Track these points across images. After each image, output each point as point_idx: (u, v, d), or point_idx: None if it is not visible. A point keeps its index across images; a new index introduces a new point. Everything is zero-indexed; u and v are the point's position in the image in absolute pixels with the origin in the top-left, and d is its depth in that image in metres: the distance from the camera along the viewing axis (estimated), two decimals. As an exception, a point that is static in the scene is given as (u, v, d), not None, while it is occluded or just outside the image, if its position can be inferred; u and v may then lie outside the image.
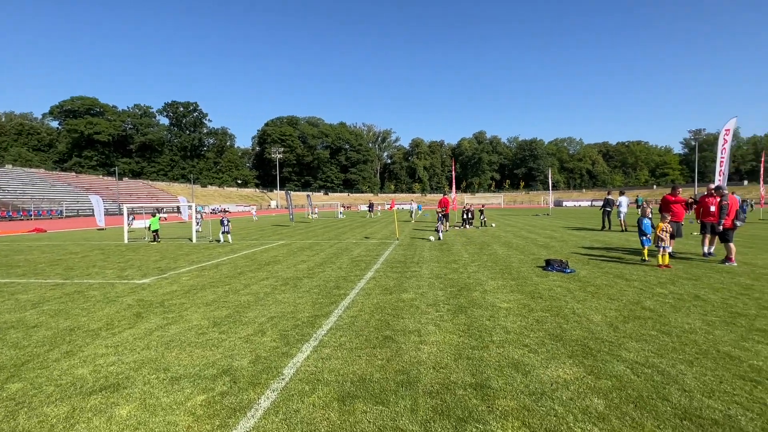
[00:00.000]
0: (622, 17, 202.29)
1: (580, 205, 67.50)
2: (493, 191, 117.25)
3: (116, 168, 75.81)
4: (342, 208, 45.12)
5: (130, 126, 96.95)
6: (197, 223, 16.01)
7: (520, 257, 9.70)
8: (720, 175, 16.56)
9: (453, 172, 26.24)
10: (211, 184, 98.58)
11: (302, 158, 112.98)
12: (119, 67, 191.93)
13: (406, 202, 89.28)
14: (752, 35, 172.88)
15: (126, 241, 15.82)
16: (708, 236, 9.12)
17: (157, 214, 17.03)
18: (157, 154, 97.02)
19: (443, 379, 3.17)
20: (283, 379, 3.25)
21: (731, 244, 8.39)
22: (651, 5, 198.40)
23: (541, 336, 4.13)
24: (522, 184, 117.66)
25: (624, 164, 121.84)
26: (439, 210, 17.13)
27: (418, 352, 3.74)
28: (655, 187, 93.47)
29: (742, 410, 2.63)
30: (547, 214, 34.57)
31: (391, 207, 19.18)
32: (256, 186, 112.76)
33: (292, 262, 9.62)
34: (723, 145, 16.88)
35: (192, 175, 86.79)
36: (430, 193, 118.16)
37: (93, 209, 27.14)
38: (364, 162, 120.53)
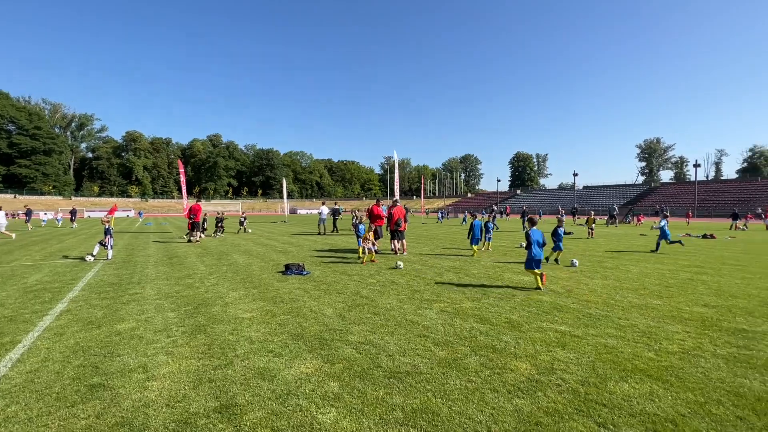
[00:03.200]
0: (356, 54, 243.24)
1: (312, 213, 75.62)
2: (231, 198, 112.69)
3: None
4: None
5: None
6: None
7: (261, 264, 9.79)
8: (397, 192, 23.14)
9: (182, 176, 23.32)
10: None
11: None
12: None
13: (128, 208, 71.73)
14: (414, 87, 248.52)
15: None
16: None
17: None
18: None
19: (180, 414, 2.76)
20: None
21: (404, 241, 11.79)
22: (372, 62, 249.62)
23: (284, 338, 4.33)
24: (260, 192, 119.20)
25: (344, 179, 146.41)
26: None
27: (144, 393, 3.08)
28: (364, 198, 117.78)
29: (420, 359, 3.73)
30: (285, 221, 36.68)
31: (111, 212, 14.63)
32: None
33: None
34: (398, 170, 23.61)
35: None
36: (154, 198, 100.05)
37: None
38: (45, 153, 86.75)
